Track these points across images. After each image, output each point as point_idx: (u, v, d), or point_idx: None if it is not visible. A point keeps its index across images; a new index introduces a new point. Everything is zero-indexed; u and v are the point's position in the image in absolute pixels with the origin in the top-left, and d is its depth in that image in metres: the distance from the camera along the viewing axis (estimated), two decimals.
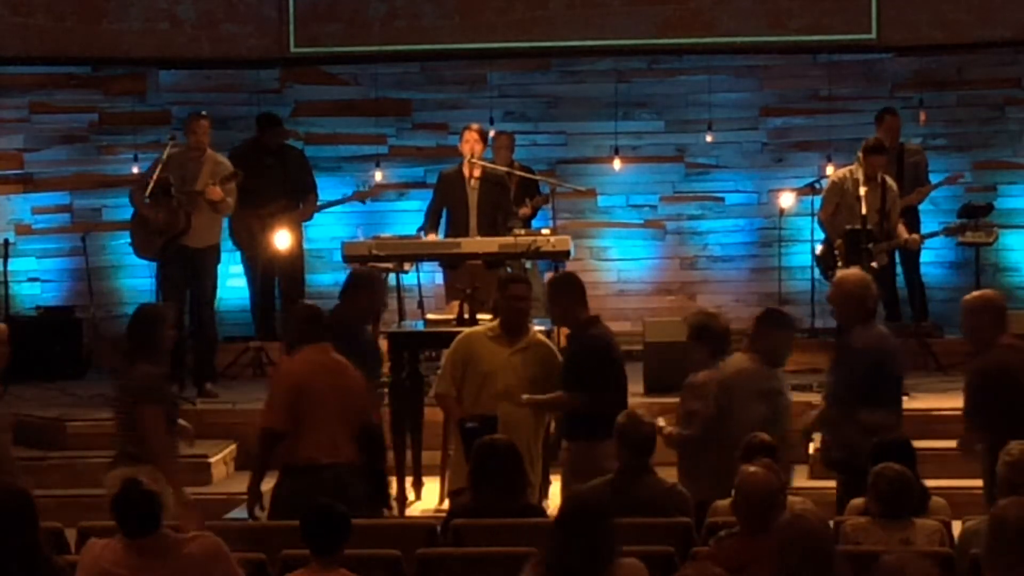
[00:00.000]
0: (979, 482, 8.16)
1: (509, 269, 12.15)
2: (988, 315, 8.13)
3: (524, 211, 12.62)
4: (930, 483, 7.51)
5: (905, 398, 10.24)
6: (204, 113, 12.17)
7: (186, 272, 11.84)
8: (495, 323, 9.14)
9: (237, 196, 12.67)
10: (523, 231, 11.52)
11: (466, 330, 9.34)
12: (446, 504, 9.25)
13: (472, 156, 11.78)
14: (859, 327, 8.42)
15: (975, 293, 8.47)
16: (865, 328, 8.41)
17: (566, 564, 5.65)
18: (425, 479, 10.15)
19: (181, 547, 6.05)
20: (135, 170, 12.82)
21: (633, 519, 6.27)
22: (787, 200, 12.97)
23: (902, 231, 11.81)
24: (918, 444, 7.64)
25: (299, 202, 13.09)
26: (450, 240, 11.60)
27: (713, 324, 8.77)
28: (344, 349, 8.34)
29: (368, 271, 9.74)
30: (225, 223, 12.88)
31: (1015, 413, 7.76)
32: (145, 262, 12.40)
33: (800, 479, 9.22)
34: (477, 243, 11.46)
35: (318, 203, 13.11)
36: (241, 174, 12.02)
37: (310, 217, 13.08)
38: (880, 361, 8.37)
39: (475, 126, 11.98)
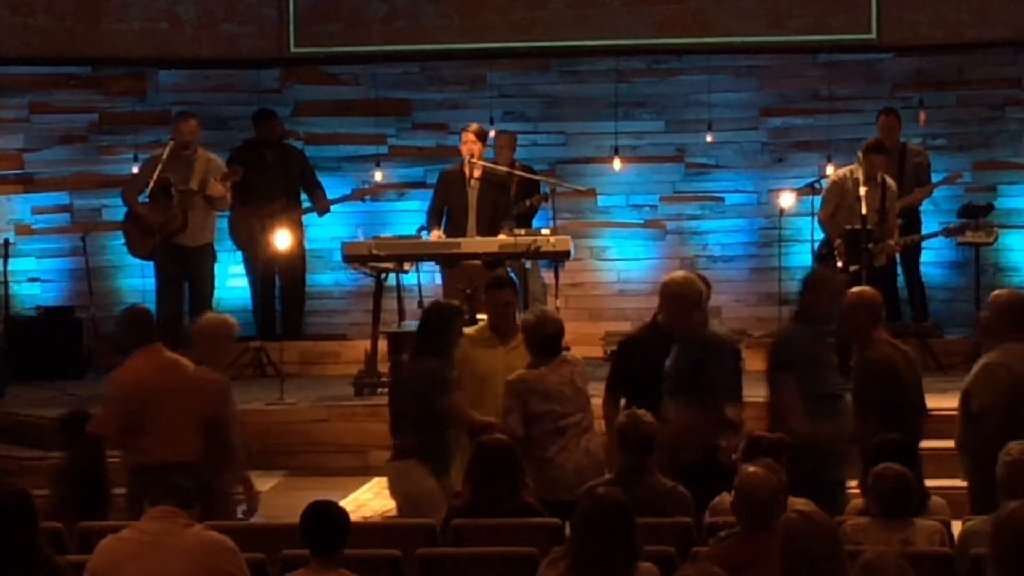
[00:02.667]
0: None
1: (510, 270, 12.18)
2: (865, 312, 8.28)
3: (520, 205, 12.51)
4: (929, 483, 7.53)
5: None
6: (192, 112, 12.21)
7: (183, 270, 11.87)
8: (483, 325, 9.08)
9: (237, 195, 12.72)
10: (522, 231, 11.53)
11: None
12: None
13: (471, 156, 11.79)
14: (708, 325, 8.44)
15: (853, 290, 8.61)
16: (710, 326, 8.45)
17: (590, 565, 5.64)
18: None
19: (194, 531, 6.17)
20: (135, 170, 12.83)
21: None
22: (787, 200, 12.97)
23: (895, 234, 11.81)
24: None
25: (300, 202, 13.10)
26: (450, 240, 11.61)
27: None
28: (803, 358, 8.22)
29: (820, 270, 9.19)
30: (225, 223, 12.92)
31: (894, 405, 8.02)
32: (145, 262, 12.41)
33: None
34: (477, 243, 11.48)
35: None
36: (241, 170, 12.05)
37: (328, 209, 13.06)
38: (739, 356, 8.46)
39: (473, 126, 11.99)
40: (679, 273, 8.87)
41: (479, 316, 10.08)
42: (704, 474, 7.93)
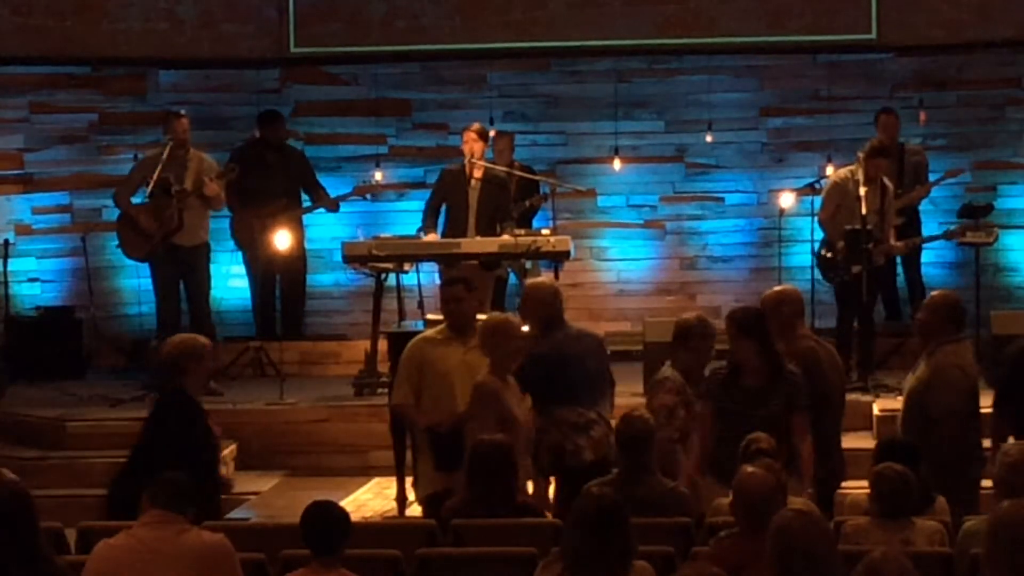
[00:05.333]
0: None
1: (510, 270, 12.19)
2: (787, 308, 8.49)
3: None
4: None
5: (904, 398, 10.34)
6: (183, 111, 12.18)
7: (179, 271, 11.86)
8: (442, 326, 9.04)
9: (238, 195, 12.72)
10: (522, 231, 11.53)
11: (415, 336, 9.24)
12: (417, 510, 9.20)
13: (473, 156, 11.79)
14: (554, 330, 8.75)
15: (775, 288, 8.85)
16: (558, 330, 8.78)
17: (586, 564, 5.65)
18: None
19: (190, 538, 6.14)
20: None
21: (633, 519, 6.25)
22: (787, 200, 12.96)
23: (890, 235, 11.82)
24: None
25: (300, 202, 13.08)
26: (450, 240, 11.61)
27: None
28: None
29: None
30: (224, 223, 12.91)
31: (814, 399, 8.16)
32: (141, 263, 12.40)
33: None
34: (477, 243, 11.47)
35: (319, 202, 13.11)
36: (237, 168, 12.04)
37: (337, 207, 13.04)
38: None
39: (475, 126, 11.98)
40: (543, 280, 9.63)
41: (478, 316, 10.08)
42: (558, 475, 8.45)
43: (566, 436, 8.47)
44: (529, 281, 9.22)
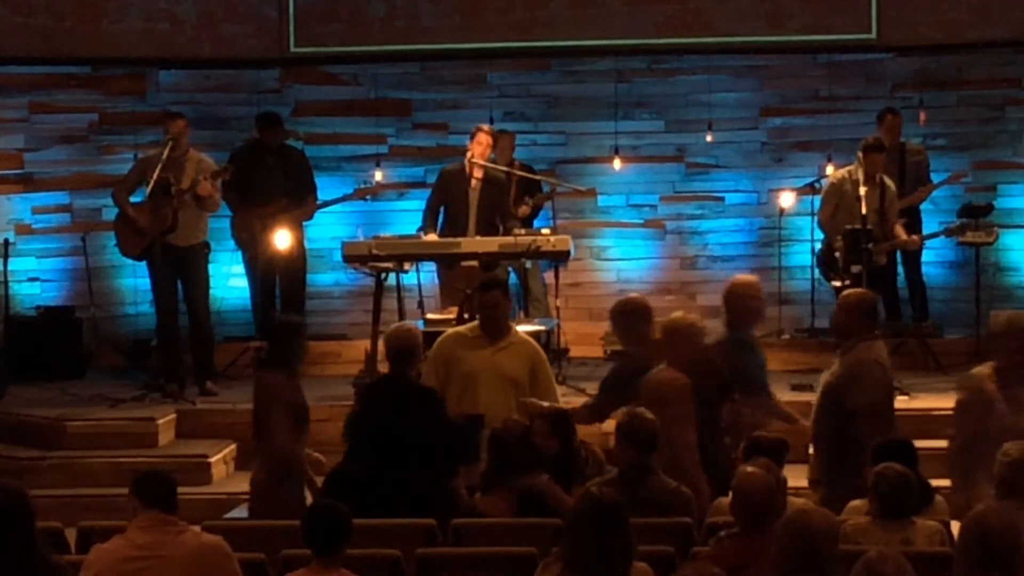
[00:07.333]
0: None
1: (510, 269, 12.17)
2: (636, 318, 8.82)
3: (523, 210, 12.60)
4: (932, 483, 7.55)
5: (904, 398, 10.38)
6: (180, 112, 12.20)
7: (175, 271, 11.87)
8: (474, 324, 9.10)
9: (238, 195, 12.71)
10: (523, 231, 11.53)
11: (448, 331, 9.29)
12: None
13: (475, 156, 11.77)
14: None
15: (621, 299, 9.21)
16: None
17: (586, 564, 5.66)
18: None
19: (187, 540, 6.11)
20: None
21: (635, 519, 6.27)
22: (787, 200, 12.98)
23: (900, 232, 11.83)
24: (918, 444, 7.66)
25: (300, 202, 13.08)
26: (450, 240, 11.61)
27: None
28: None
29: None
30: (225, 223, 12.91)
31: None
32: (137, 262, 12.40)
33: (801, 479, 9.21)
34: (477, 243, 11.47)
35: (318, 203, 13.08)
36: (231, 168, 12.03)
37: (310, 218, 13.07)
38: None
39: (486, 128, 11.94)
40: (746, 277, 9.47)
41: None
42: None
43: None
44: (739, 278, 9.33)
